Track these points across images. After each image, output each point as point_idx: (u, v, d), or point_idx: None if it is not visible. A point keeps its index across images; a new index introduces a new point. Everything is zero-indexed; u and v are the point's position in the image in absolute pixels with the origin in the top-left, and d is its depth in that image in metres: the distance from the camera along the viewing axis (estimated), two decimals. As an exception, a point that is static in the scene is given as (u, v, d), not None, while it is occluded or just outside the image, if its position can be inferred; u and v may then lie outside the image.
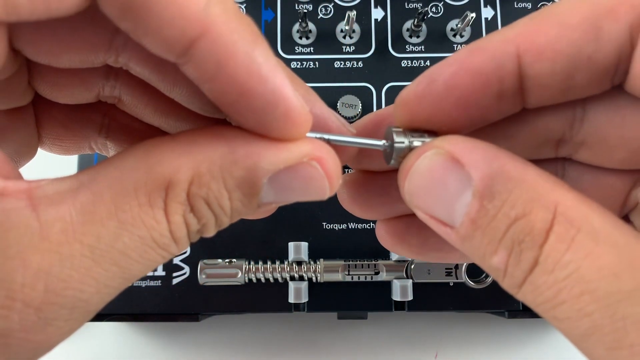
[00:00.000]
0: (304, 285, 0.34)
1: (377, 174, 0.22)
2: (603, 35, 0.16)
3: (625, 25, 0.15)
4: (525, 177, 0.15)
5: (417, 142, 0.18)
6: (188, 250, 0.35)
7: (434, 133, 0.18)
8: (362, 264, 0.34)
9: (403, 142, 0.18)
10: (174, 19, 0.14)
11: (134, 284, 0.35)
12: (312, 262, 0.34)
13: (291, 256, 0.34)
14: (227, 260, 0.34)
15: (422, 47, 0.37)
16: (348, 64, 0.37)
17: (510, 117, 0.18)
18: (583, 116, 0.18)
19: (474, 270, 0.34)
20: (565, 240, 0.14)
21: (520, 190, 0.15)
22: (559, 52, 0.16)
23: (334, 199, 0.37)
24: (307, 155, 0.17)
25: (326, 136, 0.18)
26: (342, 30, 0.38)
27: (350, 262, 0.34)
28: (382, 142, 0.18)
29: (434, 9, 0.38)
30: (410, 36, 0.38)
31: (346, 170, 0.31)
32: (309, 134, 0.17)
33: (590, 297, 0.13)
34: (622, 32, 0.15)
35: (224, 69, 0.14)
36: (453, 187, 0.16)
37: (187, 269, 0.35)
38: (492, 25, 0.38)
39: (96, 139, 0.22)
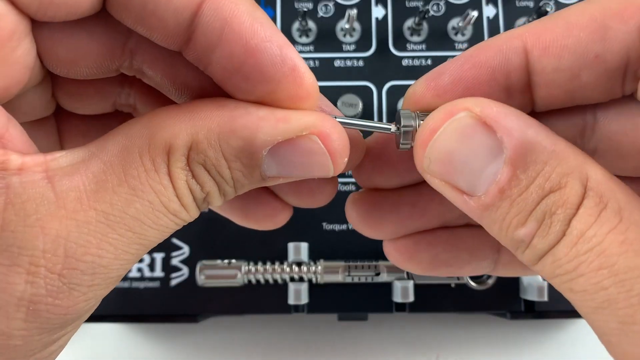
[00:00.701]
0: (304, 286, 0.34)
1: (386, 192, 0.21)
2: (610, 35, 0.16)
3: (633, 26, 0.15)
4: (559, 149, 0.15)
5: None
6: (187, 251, 0.35)
7: None
8: (363, 265, 0.34)
9: (410, 126, 0.17)
10: None
11: (133, 285, 0.35)
12: (312, 263, 0.34)
13: (291, 257, 0.34)
14: (226, 261, 0.34)
15: (423, 45, 0.37)
16: (348, 63, 0.37)
17: None
18: (594, 124, 0.18)
19: (476, 271, 0.34)
20: (593, 215, 0.14)
21: (555, 162, 0.15)
22: (565, 47, 0.16)
23: (336, 199, 0.36)
24: (307, 129, 0.16)
25: (337, 119, 0.18)
26: (342, 29, 0.37)
27: (351, 263, 0.34)
28: (391, 126, 0.18)
29: (435, 8, 0.38)
30: (412, 35, 0.37)
31: (344, 180, 0.31)
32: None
33: (608, 271, 0.14)
34: (630, 33, 0.15)
35: (230, 27, 0.15)
36: (482, 153, 0.15)
37: (185, 270, 0.35)
38: (494, 24, 0.37)
39: None
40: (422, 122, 0.17)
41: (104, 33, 0.17)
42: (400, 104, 0.36)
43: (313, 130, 0.16)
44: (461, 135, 0.16)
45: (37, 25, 0.16)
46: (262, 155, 0.16)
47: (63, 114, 0.21)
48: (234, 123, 0.16)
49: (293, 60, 0.16)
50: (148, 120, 0.16)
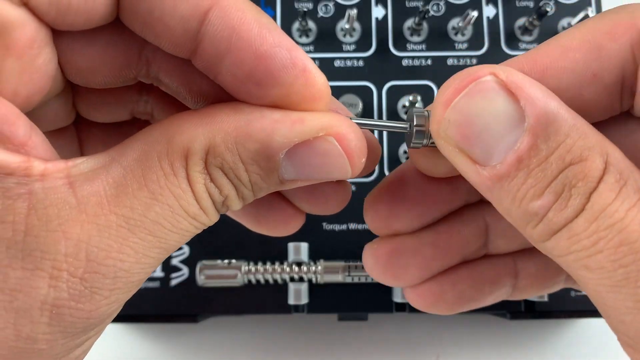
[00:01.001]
0: (304, 286, 0.34)
1: (404, 237, 0.21)
2: (604, 53, 0.16)
3: (624, 44, 0.16)
4: (580, 124, 0.15)
5: None
6: (187, 251, 0.35)
7: None
8: (363, 265, 0.34)
9: (423, 125, 0.17)
10: None
11: (132, 285, 0.35)
12: (312, 263, 0.34)
13: (291, 257, 0.34)
14: (226, 261, 0.34)
15: (424, 45, 0.37)
16: (348, 63, 0.37)
17: None
18: None
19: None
20: (614, 190, 0.14)
21: (577, 135, 0.15)
22: (563, 68, 0.16)
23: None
24: (323, 130, 0.16)
25: (353, 120, 0.18)
26: (342, 29, 0.37)
27: (351, 263, 0.34)
28: (406, 125, 0.18)
29: (435, 8, 0.38)
30: (412, 35, 0.37)
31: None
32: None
33: (629, 248, 0.14)
34: (623, 51, 0.16)
35: (238, 35, 0.15)
36: (503, 119, 0.15)
37: (185, 270, 0.35)
38: (494, 24, 0.37)
39: None
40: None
41: (121, 42, 0.17)
42: (400, 104, 0.36)
43: (329, 131, 0.16)
44: (485, 99, 0.15)
45: (57, 35, 0.16)
46: (280, 158, 0.16)
47: (82, 123, 0.21)
48: (250, 126, 0.16)
49: (303, 62, 0.16)
50: (166, 125, 0.16)
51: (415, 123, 0.17)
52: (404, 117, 0.36)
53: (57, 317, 0.15)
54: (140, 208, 0.15)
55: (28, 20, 0.15)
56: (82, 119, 0.21)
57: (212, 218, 0.17)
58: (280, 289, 0.34)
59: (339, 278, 0.34)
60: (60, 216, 0.15)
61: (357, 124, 0.18)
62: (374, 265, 0.21)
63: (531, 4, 0.37)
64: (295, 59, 0.16)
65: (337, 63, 0.37)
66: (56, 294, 0.15)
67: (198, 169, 0.16)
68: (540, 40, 0.37)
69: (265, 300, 0.35)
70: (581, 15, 0.36)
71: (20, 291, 0.14)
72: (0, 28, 0.15)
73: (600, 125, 0.18)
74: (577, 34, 0.17)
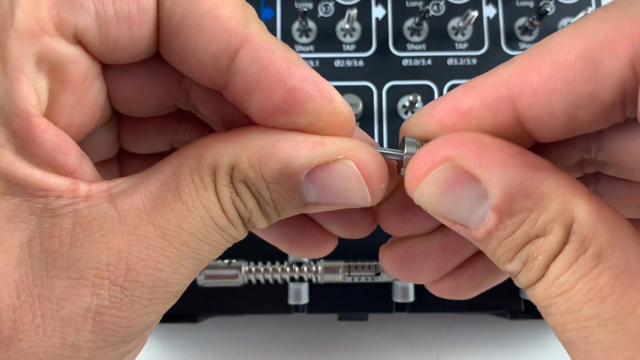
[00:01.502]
0: (304, 286, 0.34)
1: (415, 239, 0.21)
2: (602, 71, 0.15)
3: (624, 59, 0.15)
4: (546, 192, 0.15)
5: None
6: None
7: None
8: (363, 265, 0.34)
9: (412, 154, 0.18)
10: (219, 33, 0.16)
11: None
12: (312, 263, 0.34)
13: (291, 257, 0.34)
14: (226, 261, 0.34)
15: (424, 45, 0.37)
16: (348, 63, 0.37)
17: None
18: (598, 145, 0.18)
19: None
20: (569, 261, 0.15)
21: (541, 208, 0.15)
22: (555, 92, 0.16)
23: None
24: (342, 153, 0.17)
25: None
26: (342, 29, 0.37)
27: (351, 263, 0.34)
28: (403, 152, 0.18)
29: (435, 8, 0.38)
30: (412, 35, 0.37)
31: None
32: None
33: (572, 316, 0.15)
34: (623, 67, 0.15)
35: (267, 71, 0.16)
36: (469, 199, 0.16)
37: (186, 270, 0.35)
38: (494, 24, 0.37)
39: None
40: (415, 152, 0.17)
41: (162, 73, 0.19)
42: (400, 104, 0.36)
43: (348, 155, 0.17)
44: (446, 185, 0.16)
45: (106, 68, 0.18)
46: (300, 178, 0.17)
47: (123, 156, 0.22)
48: (273, 147, 0.17)
49: (330, 93, 0.17)
50: (197, 144, 0.17)
51: (405, 152, 0.18)
52: (404, 117, 0.36)
53: (100, 325, 0.16)
54: (176, 219, 0.16)
55: (81, 57, 0.16)
56: (124, 152, 0.22)
57: (241, 232, 0.18)
58: (280, 289, 0.34)
59: (339, 278, 0.34)
60: (103, 228, 0.16)
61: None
62: (390, 268, 0.22)
63: (531, 4, 0.37)
64: (322, 90, 0.17)
65: (337, 63, 0.37)
66: (99, 301, 0.15)
67: (224, 183, 0.17)
68: (540, 40, 0.37)
69: (266, 300, 0.35)
70: (581, 15, 0.36)
71: (66, 299, 0.15)
72: (57, 65, 0.16)
73: (603, 131, 0.17)
74: (572, 46, 0.15)
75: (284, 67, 0.16)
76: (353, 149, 0.17)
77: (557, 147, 0.19)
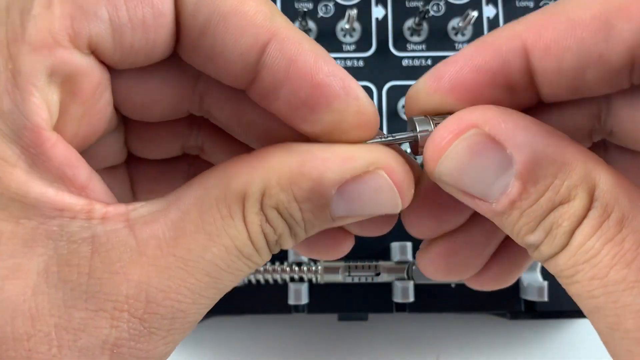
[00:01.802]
0: (304, 286, 0.34)
1: (449, 237, 0.21)
2: (615, 34, 0.15)
3: (638, 25, 0.15)
4: (568, 159, 0.16)
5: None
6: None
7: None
8: (363, 265, 0.34)
9: (427, 130, 0.17)
10: (247, 28, 0.16)
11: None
12: (312, 263, 0.34)
13: (291, 257, 0.34)
14: (226, 261, 0.34)
15: (424, 46, 0.37)
16: (348, 63, 0.37)
17: (532, 109, 0.18)
18: (608, 111, 0.18)
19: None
20: (595, 226, 0.15)
21: (564, 175, 0.15)
22: (567, 49, 0.16)
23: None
24: (374, 164, 0.17)
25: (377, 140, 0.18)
26: (342, 29, 0.37)
27: (351, 263, 0.34)
28: (413, 134, 0.18)
29: (435, 8, 0.38)
30: (412, 35, 0.37)
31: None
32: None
33: (599, 282, 0.15)
34: (636, 32, 0.15)
35: (295, 65, 0.16)
36: (492, 168, 0.16)
37: (186, 270, 0.35)
38: (494, 24, 0.37)
39: None
40: (438, 125, 0.17)
41: (176, 76, 0.18)
42: (400, 104, 0.36)
43: (380, 165, 0.17)
44: (471, 153, 0.16)
45: (115, 74, 0.17)
46: (332, 194, 0.16)
47: (134, 161, 0.22)
48: (303, 167, 0.16)
49: (356, 91, 0.17)
50: (222, 170, 0.17)
51: (419, 130, 0.18)
52: (404, 117, 0.36)
53: (117, 356, 0.15)
54: (197, 250, 0.16)
55: (94, 67, 0.16)
56: (133, 157, 0.21)
57: (265, 257, 0.18)
58: (280, 289, 0.34)
59: (339, 278, 0.34)
60: (122, 259, 0.15)
61: (376, 142, 0.18)
62: (435, 269, 0.22)
63: (531, 4, 0.37)
64: (348, 87, 0.17)
65: (337, 63, 0.37)
66: (117, 334, 0.15)
67: (254, 211, 0.16)
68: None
69: (266, 300, 0.35)
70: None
71: (84, 331, 0.15)
72: (69, 77, 0.15)
73: (613, 95, 0.17)
74: (589, 7, 0.16)
75: (311, 60, 0.16)
76: (382, 158, 0.17)
77: (568, 113, 0.19)
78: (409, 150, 0.21)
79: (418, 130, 0.18)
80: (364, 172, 0.17)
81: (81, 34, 0.15)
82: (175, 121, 0.20)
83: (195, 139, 0.22)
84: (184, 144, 0.22)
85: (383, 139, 0.18)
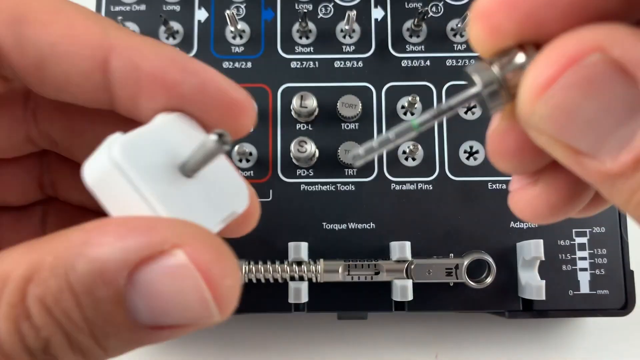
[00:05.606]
0: (304, 285, 0.34)
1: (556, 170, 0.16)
2: None
3: None
4: None
5: (519, 61, 0.13)
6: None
7: (530, 47, 0.13)
8: (362, 264, 0.34)
9: (492, 82, 0.13)
10: (81, 50, 0.15)
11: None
12: (311, 262, 0.34)
13: (291, 256, 0.34)
14: (226, 260, 0.34)
15: (422, 47, 0.37)
16: (348, 64, 0.37)
17: None
18: None
19: (474, 271, 0.34)
20: None
21: None
22: None
23: (336, 199, 0.36)
24: (167, 242, 0.12)
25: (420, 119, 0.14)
26: (342, 30, 0.38)
27: (350, 262, 0.34)
28: (474, 90, 0.14)
29: (434, 9, 0.38)
30: (411, 36, 0.37)
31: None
32: None
33: None
34: None
35: (142, 71, 0.16)
36: (616, 110, 0.12)
37: (186, 269, 0.35)
38: (492, 25, 0.38)
39: None
40: (509, 70, 0.13)
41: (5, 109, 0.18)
42: (399, 105, 0.37)
43: (174, 243, 0.12)
44: (590, 88, 0.12)
45: None
46: (120, 283, 0.12)
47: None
48: (87, 243, 0.12)
49: (194, 67, 0.16)
50: (16, 248, 0.13)
51: (483, 85, 0.14)
52: (403, 118, 0.36)
53: None
54: None
55: None
56: None
57: None
58: (280, 288, 0.34)
59: (338, 277, 0.34)
60: None
61: (426, 121, 0.14)
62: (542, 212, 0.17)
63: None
64: (185, 67, 0.16)
65: (336, 64, 0.37)
66: None
67: (9, 301, 0.12)
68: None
69: (265, 299, 0.35)
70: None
71: None
72: None
73: None
74: None
75: (156, 61, 0.16)
76: (184, 232, 0.13)
77: None
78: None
79: (483, 83, 0.13)
80: (158, 252, 0.12)
81: None
82: (26, 163, 0.19)
83: (48, 176, 0.21)
84: (41, 182, 0.20)
85: (434, 112, 0.14)
